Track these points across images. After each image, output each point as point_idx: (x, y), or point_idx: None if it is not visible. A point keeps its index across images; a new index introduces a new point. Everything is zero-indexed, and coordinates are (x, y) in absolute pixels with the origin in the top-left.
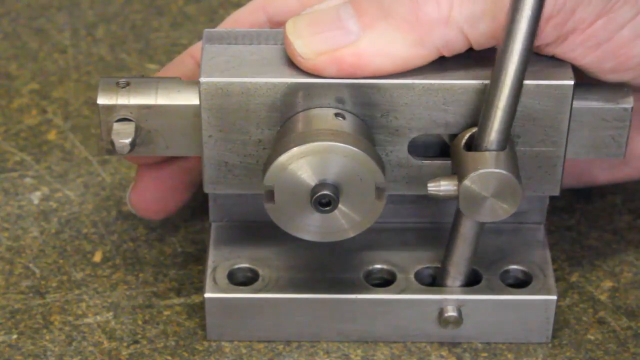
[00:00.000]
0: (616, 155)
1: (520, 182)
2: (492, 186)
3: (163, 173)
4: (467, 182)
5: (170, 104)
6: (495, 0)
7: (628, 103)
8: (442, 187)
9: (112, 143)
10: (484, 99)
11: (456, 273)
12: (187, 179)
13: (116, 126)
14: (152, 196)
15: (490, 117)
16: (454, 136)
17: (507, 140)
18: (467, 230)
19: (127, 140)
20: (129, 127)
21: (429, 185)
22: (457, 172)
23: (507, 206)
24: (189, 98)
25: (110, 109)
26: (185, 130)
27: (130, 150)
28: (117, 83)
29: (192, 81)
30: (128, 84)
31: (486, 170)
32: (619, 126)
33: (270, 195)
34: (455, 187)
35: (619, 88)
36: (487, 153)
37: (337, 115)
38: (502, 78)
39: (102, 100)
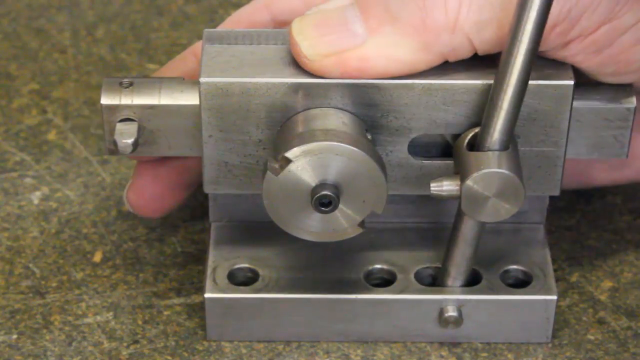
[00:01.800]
0: (618, 155)
1: (522, 182)
2: (494, 186)
3: (162, 171)
4: (469, 182)
5: (173, 104)
6: (502, 7)
7: (630, 103)
8: (445, 187)
9: (114, 143)
10: (488, 99)
11: (457, 273)
12: (186, 178)
13: (119, 126)
14: (150, 194)
15: (493, 117)
16: (457, 136)
17: (510, 140)
18: (468, 231)
19: (130, 141)
20: (132, 127)
21: (431, 185)
22: (460, 172)
23: (510, 206)
24: (192, 98)
25: (113, 109)
26: (188, 131)
27: (133, 150)
28: (121, 83)
29: (195, 80)
30: (131, 84)
31: (489, 170)
32: (621, 126)
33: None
34: (457, 187)
35: (621, 88)
36: (490, 153)
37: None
38: (507, 79)
39: (105, 100)
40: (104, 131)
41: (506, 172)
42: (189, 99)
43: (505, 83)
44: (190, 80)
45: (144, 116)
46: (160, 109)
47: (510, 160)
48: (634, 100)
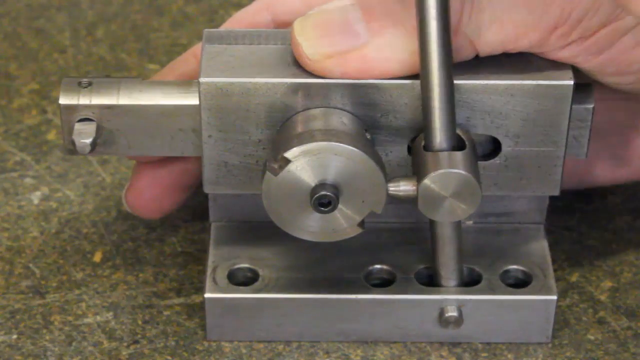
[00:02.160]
0: (578, 155)
1: (479, 183)
2: (451, 186)
3: (160, 173)
4: (426, 181)
5: (131, 103)
6: (503, 9)
7: (589, 103)
8: (402, 187)
9: (73, 143)
10: (422, 102)
11: (447, 273)
12: (185, 180)
13: (77, 126)
14: (148, 195)
15: (429, 117)
16: (414, 138)
17: (456, 138)
18: (443, 230)
19: (88, 140)
20: (90, 127)
21: (389, 185)
22: (417, 173)
23: (466, 206)
24: (151, 98)
25: (72, 109)
26: (148, 130)
27: (91, 151)
28: (80, 83)
29: (154, 81)
30: (90, 84)
31: (446, 171)
32: (580, 126)
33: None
34: (414, 188)
35: (580, 88)
36: (445, 153)
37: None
38: (429, 78)
39: (64, 100)
40: (63, 131)
41: (463, 172)
42: (148, 99)
43: (429, 82)
44: (149, 81)
45: (102, 116)
46: (118, 109)
47: (467, 160)
48: (593, 100)
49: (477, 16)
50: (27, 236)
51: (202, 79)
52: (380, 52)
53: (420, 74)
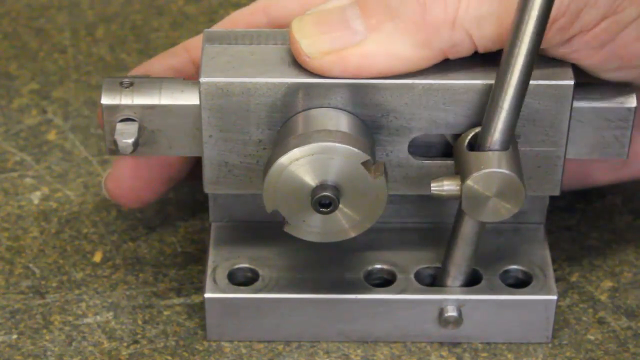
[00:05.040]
0: (619, 156)
1: (523, 182)
2: (495, 186)
3: (142, 164)
4: (470, 182)
5: (173, 104)
6: (502, 3)
7: (631, 103)
8: (445, 186)
9: (115, 143)
10: (489, 99)
11: (457, 273)
12: (166, 173)
13: (119, 126)
14: (128, 186)
15: (494, 117)
16: (457, 136)
17: (511, 140)
18: (468, 231)
19: (130, 140)
20: (132, 127)
21: (432, 185)
22: (460, 172)
23: (510, 206)
24: (193, 98)
25: (113, 109)
26: (189, 131)
27: (134, 150)
28: (121, 83)
29: (196, 81)
30: (132, 83)
31: (489, 170)
32: (622, 126)
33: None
34: (458, 187)
35: (621, 87)
36: (490, 153)
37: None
38: (508, 78)
39: (105, 100)
40: (104, 131)
41: (507, 172)
42: (190, 99)
43: (506, 83)
44: (191, 81)
45: (144, 116)
46: (160, 109)
47: (511, 160)
48: (634, 100)
49: (475, 9)
50: (27, 236)
51: (202, 79)
52: (379, 47)
53: (499, 70)
